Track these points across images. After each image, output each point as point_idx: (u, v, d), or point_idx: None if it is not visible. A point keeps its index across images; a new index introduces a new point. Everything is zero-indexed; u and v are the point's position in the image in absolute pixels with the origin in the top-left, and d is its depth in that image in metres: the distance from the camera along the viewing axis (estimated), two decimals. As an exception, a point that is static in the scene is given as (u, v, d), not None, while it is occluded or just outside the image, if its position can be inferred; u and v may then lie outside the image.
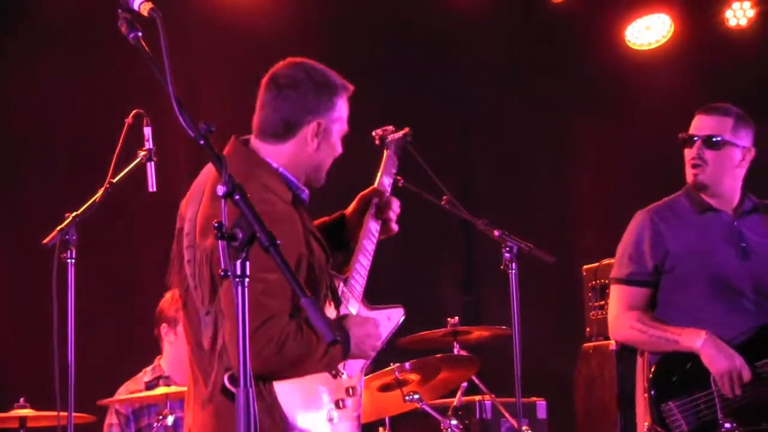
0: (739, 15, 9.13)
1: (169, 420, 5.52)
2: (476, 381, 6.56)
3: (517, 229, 5.36)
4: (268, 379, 3.47)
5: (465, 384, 6.48)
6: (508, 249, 5.20)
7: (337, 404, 3.64)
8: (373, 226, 4.06)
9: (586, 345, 7.33)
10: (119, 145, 5.10)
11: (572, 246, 8.58)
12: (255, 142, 3.81)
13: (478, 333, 6.65)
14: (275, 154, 3.75)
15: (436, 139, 8.15)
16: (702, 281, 4.93)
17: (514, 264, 5.18)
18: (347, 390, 3.71)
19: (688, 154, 5.03)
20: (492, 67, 8.97)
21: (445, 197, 5.29)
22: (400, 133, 4.47)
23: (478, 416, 6.88)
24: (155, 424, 5.61)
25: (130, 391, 6.37)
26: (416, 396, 5.86)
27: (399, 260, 8.65)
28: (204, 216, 3.57)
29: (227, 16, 8.05)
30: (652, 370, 4.91)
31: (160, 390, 5.72)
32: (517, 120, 8.95)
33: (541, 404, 7.26)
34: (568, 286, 7.86)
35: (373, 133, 4.43)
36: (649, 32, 9.04)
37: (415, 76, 8.48)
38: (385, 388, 5.94)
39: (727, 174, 5.00)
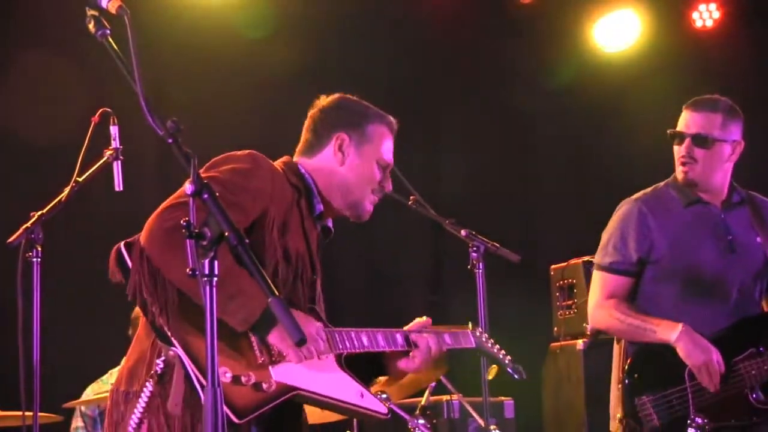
0: (705, 16, 9.19)
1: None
2: (444, 380, 6.56)
3: (485, 229, 5.36)
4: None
5: (433, 384, 6.48)
6: (474, 248, 5.18)
7: (239, 373, 3.44)
8: (400, 338, 3.98)
9: (553, 344, 7.35)
10: (86, 143, 5.06)
11: (540, 246, 8.60)
12: (303, 158, 3.99)
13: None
14: (312, 165, 3.93)
15: (404, 139, 8.14)
16: (686, 274, 4.95)
17: (481, 263, 5.17)
18: (263, 379, 3.48)
19: (678, 151, 5.02)
20: (460, 67, 8.98)
21: (412, 197, 5.27)
22: (494, 349, 4.48)
23: (445, 416, 6.89)
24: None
25: (95, 392, 6.35)
26: (384, 395, 5.85)
27: (366, 260, 8.65)
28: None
29: (196, 14, 8.03)
30: (629, 361, 4.94)
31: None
32: (485, 120, 8.96)
33: (508, 403, 7.28)
34: (536, 286, 7.88)
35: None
36: (617, 33, 9.07)
37: (382, 78, 8.47)
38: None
39: (717, 170, 4.99)
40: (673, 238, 4.98)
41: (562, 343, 7.26)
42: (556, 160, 9.18)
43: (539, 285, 7.73)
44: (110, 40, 3.04)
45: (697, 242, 4.97)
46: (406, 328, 4.06)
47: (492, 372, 4.62)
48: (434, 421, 6.63)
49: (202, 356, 3.20)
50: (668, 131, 5.06)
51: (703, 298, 4.93)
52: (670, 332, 4.83)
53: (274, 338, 3.50)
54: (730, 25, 9.19)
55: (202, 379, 3.35)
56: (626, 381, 4.91)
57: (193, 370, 3.37)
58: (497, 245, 5.26)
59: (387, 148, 4.03)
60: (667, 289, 4.98)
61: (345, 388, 3.75)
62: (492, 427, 6.30)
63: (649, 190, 5.15)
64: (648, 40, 9.07)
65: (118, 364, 6.46)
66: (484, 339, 4.39)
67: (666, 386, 4.84)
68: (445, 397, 6.86)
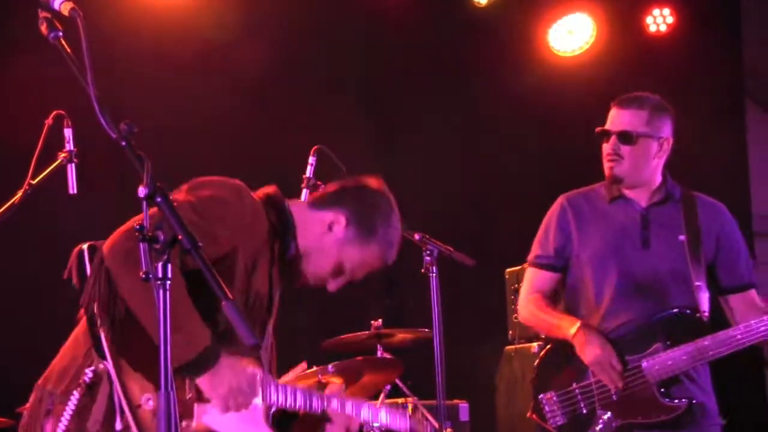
0: (659, 21, 9.26)
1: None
2: (399, 384, 6.57)
3: (439, 232, 5.38)
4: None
5: (388, 387, 6.49)
6: (428, 252, 5.22)
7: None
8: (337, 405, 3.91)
9: (508, 347, 7.37)
10: (39, 146, 5.04)
11: (496, 249, 8.62)
12: (303, 203, 3.98)
13: (401, 336, 6.66)
14: (303, 212, 3.84)
15: (357, 143, 8.16)
16: (600, 269, 4.96)
17: (434, 267, 5.21)
18: (180, 416, 3.42)
19: (605, 148, 5.04)
20: (414, 70, 8.99)
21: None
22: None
23: (400, 419, 6.89)
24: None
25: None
26: (339, 397, 5.85)
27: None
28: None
29: (157, 16, 7.99)
30: (538, 358, 4.99)
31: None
32: (439, 123, 8.98)
33: (463, 406, 7.29)
34: (491, 289, 7.90)
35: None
36: (571, 37, 9.12)
37: (336, 79, 8.48)
38: (308, 390, 5.93)
39: (644, 166, 4.99)
40: (591, 233, 5.02)
41: (517, 346, 7.28)
42: (511, 163, 9.20)
43: (494, 288, 7.75)
44: (63, 42, 3.02)
45: (613, 237, 4.98)
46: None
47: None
48: (389, 424, 6.64)
49: (130, 382, 3.29)
50: (595, 130, 5.09)
51: (618, 293, 4.92)
52: (569, 328, 4.87)
53: (203, 383, 3.44)
54: (683, 30, 9.26)
55: (123, 402, 3.34)
56: (534, 377, 4.95)
57: (117, 390, 3.35)
58: (451, 249, 5.29)
59: (359, 268, 3.90)
60: (585, 284, 5.00)
61: None
62: (447, 430, 6.31)
63: (583, 188, 5.20)
64: (602, 45, 9.12)
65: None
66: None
67: (572, 383, 4.88)
68: (400, 400, 6.86)
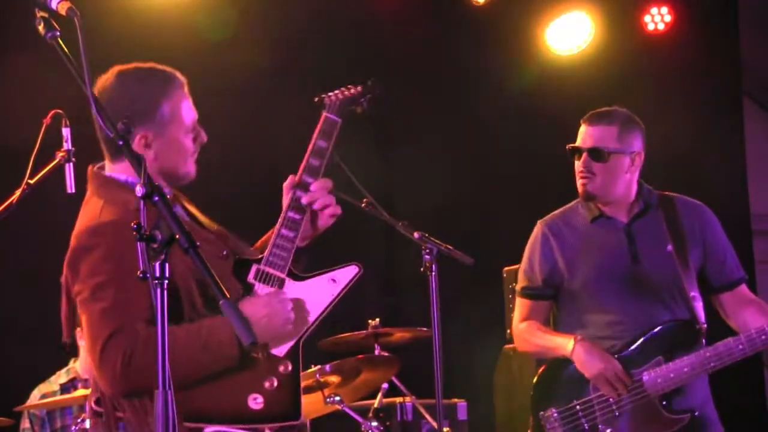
0: (657, 20, 9.25)
1: (87, 423, 5.48)
2: (397, 382, 6.57)
3: (438, 231, 5.38)
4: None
5: (386, 385, 6.49)
6: (427, 251, 5.22)
7: (262, 386, 3.48)
8: (295, 215, 3.81)
9: (506, 346, 7.37)
10: (37, 145, 5.04)
11: (494, 248, 8.62)
12: (107, 165, 3.69)
13: (398, 334, 6.66)
14: (123, 169, 3.60)
15: (356, 141, 8.15)
16: (593, 290, 4.95)
17: (433, 266, 5.21)
18: (278, 368, 3.54)
19: (577, 166, 5.03)
20: (412, 68, 8.98)
21: (365, 199, 5.30)
22: (354, 90, 4.15)
23: (398, 418, 6.89)
24: (73, 427, 5.57)
25: (43, 393, 6.34)
26: (337, 398, 5.86)
27: (318, 262, 8.62)
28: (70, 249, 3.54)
29: (154, 16, 7.98)
30: (537, 375, 4.97)
31: (80, 392, 5.68)
32: (438, 122, 8.97)
33: (461, 405, 7.29)
34: (489, 287, 7.90)
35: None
36: (569, 36, 9.11)
37: (334, 78, 8.45)
38: (306, 390, 5.91)
39: (616, 181, 4.97)
40: (577, 255, 5.01)
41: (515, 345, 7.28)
42: (510, 163, 9.20)
43: (492, 287, 7.75)
44: (60, 42, 3.02)
45: (600, 257, 4.98)
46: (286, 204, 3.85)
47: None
48: (387, 423, 6.64)
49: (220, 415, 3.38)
50: (567, 147, 5.08)
51: (613, 311, 4.91)
52: (566, 345, 4.85)
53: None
54: (682, 28, 9.25)
55: None
56: (532, 394, 4.93)
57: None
58: (450, 248, 5.29)
59: (188, 112, 3.74)
60: (579, 306, 4.99)
61: (318, 291, 3.79)
62: (445, 429, 6.32)
63: (559, 210, 5.19)
64: (600, 43, 9.11)
65: (66, 365, 6.43)
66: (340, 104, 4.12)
67: (571, 399, 4.86)
68: (398, 399, 6.86)
